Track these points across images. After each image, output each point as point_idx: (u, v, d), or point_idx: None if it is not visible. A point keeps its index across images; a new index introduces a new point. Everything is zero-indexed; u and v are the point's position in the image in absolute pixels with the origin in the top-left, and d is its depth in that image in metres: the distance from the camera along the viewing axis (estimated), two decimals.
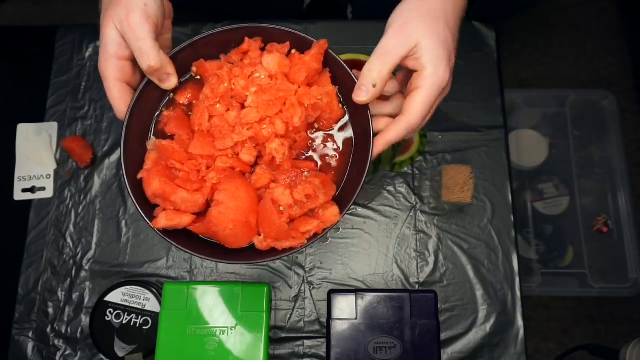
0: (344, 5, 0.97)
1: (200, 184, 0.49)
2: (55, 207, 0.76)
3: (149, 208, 0.50)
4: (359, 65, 0.61)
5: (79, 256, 0.74)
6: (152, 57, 0.50)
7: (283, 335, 0.70)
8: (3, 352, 0.71)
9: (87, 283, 0.73)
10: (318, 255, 0.74)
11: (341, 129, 0.54)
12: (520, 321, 0.71)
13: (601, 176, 1.22)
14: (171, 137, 0.52)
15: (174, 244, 0.48)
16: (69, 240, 0.75)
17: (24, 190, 0.76)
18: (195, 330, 0.60)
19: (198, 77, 0.55)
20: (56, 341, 0.71)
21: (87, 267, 0.73)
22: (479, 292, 0.72)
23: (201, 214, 0.50)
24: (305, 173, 0.51)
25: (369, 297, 0.63)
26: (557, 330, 1.27)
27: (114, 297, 0.67)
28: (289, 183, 0.49)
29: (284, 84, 0.51)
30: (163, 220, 0.48)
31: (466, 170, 0.69)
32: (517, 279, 0.72)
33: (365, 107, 0.51)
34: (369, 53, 0.60)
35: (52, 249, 0.74)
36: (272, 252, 0.48)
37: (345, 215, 0.74)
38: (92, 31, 0.83)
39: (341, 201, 0.51)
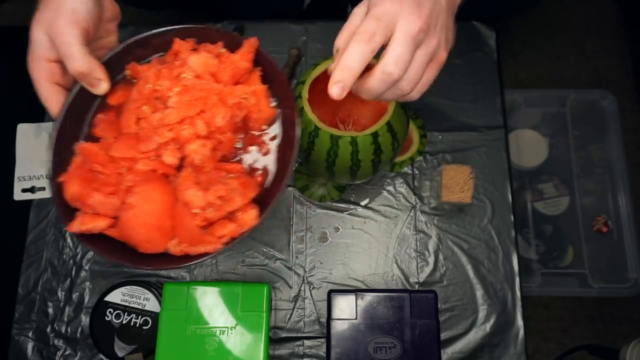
0: (344, 5, 0.97)
1: (117, 187, 0.48)
2: (54, 206, 0.76)
3: (73, 211, 0.49)
4: None
5: (79, 256, 0.74)
6: (79, 62, 0.49)
7: (283, 335, 0.70)
8: (3, 352, 0.71)
9: (87, 283, 0.73)
10: (318, 255, 0.74)
11: (272, 128, 0.53)
12: (520, 321, 0.71)
13: (601, 176, 1.22)
14: (97, 140, 0.51)
15: (90, 247, 0.48)
16: (68, 240, 0.75)
17: (24, 190, 0.76)
18: (195, 330, 0.60)
19: (133, 78, 0.54)
20: (56, 341, 0.71)
21: (87, 267, 0.73)
22: (479, 292, 0.72)
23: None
24: (230, 175, 0.49)
25: (369, 297, 0.63)
26: (557, 330, 1.27)
27: (114, 297, 0.67)
28: (204, 185, 0.47)
29: (206, 84, 0.49)
30: (77, 224, 0.47)
31: (466, 170, 0.69)
32: (517, 279, 0.72)
33: (292, 105, 0.50)
34: None
35: (52, 249, 0.74)
36: (186, 258, 0.47)
37: (345, 215, 0.75)
38: None
39: (266, 203, 0.49)
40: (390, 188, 0.76)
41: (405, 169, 0.77)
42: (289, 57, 0.79)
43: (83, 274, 0.73)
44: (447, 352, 0.70)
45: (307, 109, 0.57)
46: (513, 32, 1.46)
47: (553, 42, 1.45)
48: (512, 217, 0.75)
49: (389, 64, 0.45)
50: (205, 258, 0.46)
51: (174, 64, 0.52)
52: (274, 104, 0.53)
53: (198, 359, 0.59)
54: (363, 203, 0.76)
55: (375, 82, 0.46)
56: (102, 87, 0.52)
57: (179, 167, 0.49)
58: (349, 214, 0.75)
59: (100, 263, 0.73)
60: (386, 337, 0.62)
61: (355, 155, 0.57)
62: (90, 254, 0.74)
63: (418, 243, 0.74)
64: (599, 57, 1.44)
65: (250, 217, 0.47)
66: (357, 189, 0.76)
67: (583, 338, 1.26)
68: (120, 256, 0.48)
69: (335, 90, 0.45)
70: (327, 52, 0.79)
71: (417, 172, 0.77)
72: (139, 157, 0.49)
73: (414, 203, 0.75)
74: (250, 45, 0.52)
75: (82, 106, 0.53)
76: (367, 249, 0.74)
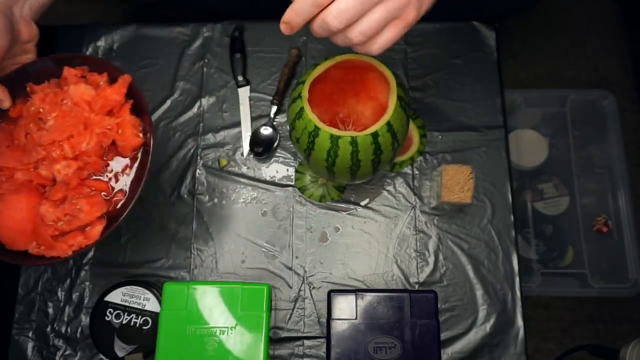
0: None
1: None
2: None
3: None
4: (358, 66, 0.61)
5: (79, 256, 0.74)
6: None
7: (283, 335, 0.70)
8: (3, 352, 0.71)
9: (87, 283, 0.73)
10: (318, 255, 0.74)
11: (137, 154, 0.60)
12: (520, 321, 0.71)
13: (601, 176, 1.22)
14: None
15: None
16: None
17: None
18: (195, 330, 0.60)
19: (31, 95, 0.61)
20: (56, 341, 0.71)
21: (87, 267, 0.73)
22: (479, 292, 0.72)
23: None
24: (92, 192, 0.58)
25: (369, 297, 0.63)
26: (557, 330, 1.27)
27: (114, 297, 0.67)
28: (58, 202, 0.56)
29: (79, 112, 0.57)
30: None
31: (466, 170, 0.69)
32: (517, 279, 0.72)
33: (152, 135, 0.58)
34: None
35: None
36: (42, 259, 0.55)
37: (345, 215, 0.75)
38: (92, 31, 0.83)
39: (117, 219, 0.56)
40: (390, 188, 0.76)
41: (405, 169, 0.77)
42: (289, 57, 0.80)
43: (83, 274, 0.73)
44: (447, 352, 0.70)
45: (307, 109, 0.57)
46: (513, 32, 1.45)
47: (553, 42, 1.45)
48: (512, 217, 0.75)
49: (329, 15, 0.47)
50: (57, 259, 0.56)
51: (63, 89, 0.59)
52: (140, 134, 0.60)
53: (198, 359, 0.59)
54: (363, 203, 0.76)
55: (315, 26, 0.49)
56: (3, 105, 0.60)
57: (54, 180, 0.57)
58: (349, 214, 0.75)
59: (101, 263, 0.73)
60: (386, 337, 0.62)
61: (355, 155, 0.57)
62: (90, 254, 0.74)
63: (418, 243, 0.74)
64: (599, 57, 1.44)
65: (96, 231, 0.56)
66: (357, 189, 0.76)
67: (583, 338, 1.26)
68: None
69: (282, 27, 0.49)
70: (327, 52, 0.80)
71: (417, 172, 0.77)
72: (19, 167, 0.57)
73: (414, 203, 0.75)
74: (124, 80, 0.60)
75: None
76: (367, 249, 0.74)
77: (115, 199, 0.59)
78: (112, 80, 0.61)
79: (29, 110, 0.58)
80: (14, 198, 0.55)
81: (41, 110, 0.58)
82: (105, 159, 0.59)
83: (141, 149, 0.60)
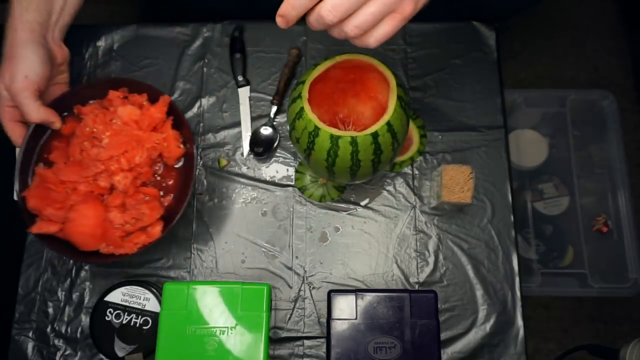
0: None
1: (63, 203, 0.65)
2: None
3: (34, 217, 0.66)
4: (358, 66, 0.61)
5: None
6: (34, 115, 0.65)
7: (283, 335, 0.70)
8: (3, 352, 0.71)
9: (87, 283, 0.73)
10: (318, 255, 0.74)
11: (181, 163, 0.70)
12: (520, 321, 0.71)
13: (601, 176, 1.22)
14: (52, 164, 0.68)
15: (45, 244, 0.65)
16: None
17: None
18: (195, 330, 0.60)
19: (80, 116, 0.70)
20: (56, 341, 0.71)
21: (87, 267, 0.73)
22: (479, 292, 0.72)
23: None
24: (146, 197, 0.67)
25: (369, 297, 0.63)
26: (557, 330, 1.27)
27: (114, 297, 0.67)
28: (124, 207, 0.66)
29: (131, 130, 0.67)
30: (36, 227, 0.64)
31: (466, 170, 0.69)
32: (517, 279, 0.72)
33: (192, 145, 0.68)
34: (369, 53, 0.60)
35: None
36: (112, 256, 0.64)
37: (345, 215, 0.75)
38: (92, 31, 0.83)
39: (171, 219, 0.66)
40: (390, 188, 0.76)
41: (405, 169, 0.77)
42: (289, 57, 0.80)
43: (83, 273, 0.73)
44: (447, 352, 0.70)
45: (307, 109, 0.57)
46: (513, 32, 1.45)
47: (553, 42, 1.45)
48: (512, 217, 0.75)
49: (324, 8, 0.48)
50: (126, 257, 0.65)
51: (109, 110, 0.69)
52: (181, 145, 0.70)
53: (198, 359, 0.59)
54: (363, 203, 0.76)
55: (312, 19, 0.49)
56: (55, 126, 0.69)
57: (111, 189, 0.67)
58: (349, 214, 0.75)
59: (101, 263, 0.73)
60: (386, 337, 0.62)
61: (355, 155, 0.57)
62: None
63: (418, 243, 0.74)
64: (599, 57, 1.44)
65: (156, 231, 0.65)
66: (357, 189, 0.76)
67: (583, 338, 1.26)
68: (66, 251, 0.65)
69: (278, 21, 0.50)
70: (327, 52, 0.80)
71: (417, 172, 0.77)
72: (81, 180, 0.66)
73: (414, 203, 0.75)
74: (164, 100, 0.69)
75: (39, 137, 0.69)
76: (367, 249, 0.74)
77: (165, 202, 0.69)
78: (149, 97, 0.70)
79: (83, 130, 0.67)
80: (84, 207, 0.64)
81: (95, 130, 0.67)
82: (153, 168, 0.69)
83: (183, 157, 0.70)
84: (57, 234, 0.65)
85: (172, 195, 0.69)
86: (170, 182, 0.69)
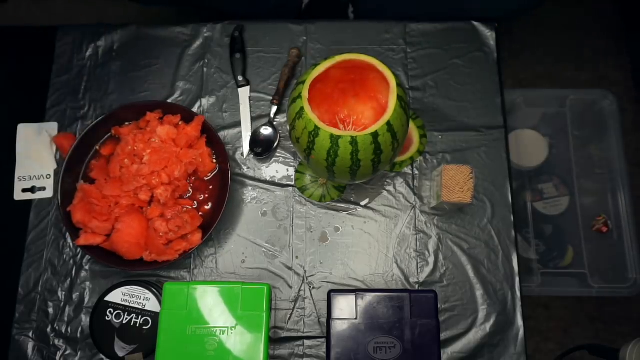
0: (345, 4, 0.97)
1: (108, 216, 0.70)
2: (55, 207, 0.76)
3: (77, 230, 0.70)
4: (358, 66, 0.61)
5: (79, 256, 0.74)
6: None
7: (283, 335, 0.70)
8: (3, 352, 0.71)
9: (87, 283, 0.73)
10: (318, 255, 0.74)
11: (212, 176, 0.75)
12: (520, 321, 0.71)
13: (601, 176, 1.22)
14: (93, 181, 0.73)
15: (90, 254, 0.69)
16: (69, 240, 0.75)
17: (24, 190, 0.76)
18: (195, 330, 0.60)
19: (117, 136, 0.76)
20: (56, 341, 0.71)
21: (87, 267, 0.74)
22: (479, 292, 0.72)
23: (110, 236, 0.70)
24: (184, 208, 0.73)
25: (369, 297, 0.63)
26: (557, 330, 1.27)
27: (114, 297, 0.67)
28: (168, 217, 0.71)
29: (169, 148, 0.73)
30: (82, 239, 0.69)
31: (466, 170, 0.69)
32: (517, 279, 0.72)
33: (226, 160, 0.72)
34: (369, 53, 0.60)
35: (53, 249, 0.74)
36: (155, 264, 0.69)
37: (345, 215, 0.75)
38: (92, 31, 0.83)
39: (209, 227, 0.71)
40: (390, 188, 0.76)
41: (405, 169, 0.77)
42: (289, 57, 0.80)
43: (83, 274, 0.73)
44: (447, 352, 0.70)
45: (307, 109, 0.57)
46: (513, 32, 1.45)
47: (553, 42, 1.45)
48: (512, 217, 0.75)
49: None
50: (168, 263, 0.69)
51: (147, 129, 0.75)
52: (214, 160, 0.75)
53: (198, 359, 0.59)
54: (363, 203, 0.76)
55: None
56: None
57: (150, 201, 0.72)
58: (349, 214, 0.75)
59: (101, 263, 0.73)
60: (386, 337, 0.62)
61: (356, 155, 0.57)
62: None
63: (418, 243, 0.74)
64: (599, 57, 1.44)
65: (196, 238, 0.71)
66: (357, 189, 0.76)
67: (583, 338, 1.26)
68: (111, 261, 0.69)
69: None
70: (327, 52, 0.80)
71: (417, 172, 0.77)
72: (123, 195, 0.71)
73: (414, 203, 0.75)
74: (198, 119, 0.74)
75: (80, 156, 0.74)
76: (367, 249, 0.74)
77: (200, 212, 0.74)
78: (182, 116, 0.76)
79: (124, 149, 0.73)
80: (129, 219, 0.69)
81: (135, 148, 0.73)
82: (188, 182, 0.74)
83: (216, 171, 0.75)
84: (103, 244, 0.70)
85: (209, 204, 0.74)
86: (204, 194, 0.74)
